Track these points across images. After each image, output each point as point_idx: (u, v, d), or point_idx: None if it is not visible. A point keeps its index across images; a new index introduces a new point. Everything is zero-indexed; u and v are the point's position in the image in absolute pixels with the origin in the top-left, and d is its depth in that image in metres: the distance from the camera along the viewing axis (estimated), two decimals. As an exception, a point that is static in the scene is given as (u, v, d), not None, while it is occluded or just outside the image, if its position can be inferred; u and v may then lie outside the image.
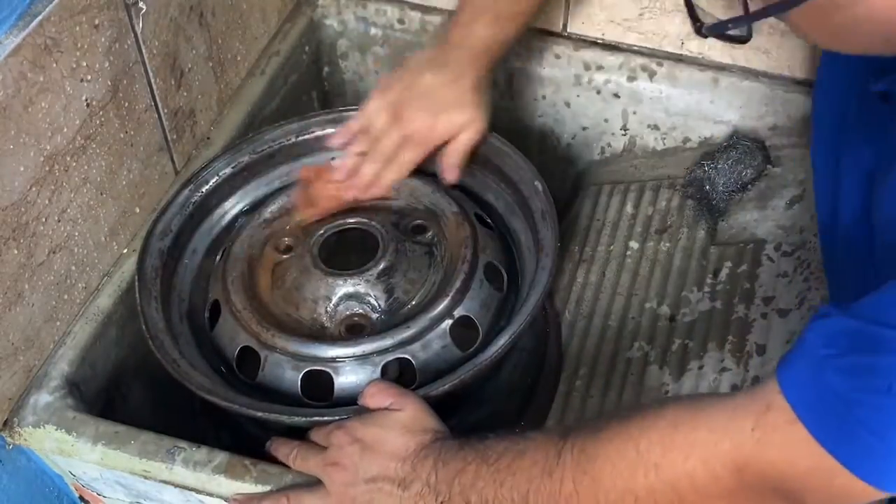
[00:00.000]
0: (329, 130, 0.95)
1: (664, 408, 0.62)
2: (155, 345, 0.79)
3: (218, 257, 0.90)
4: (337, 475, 0.72)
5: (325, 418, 0.75)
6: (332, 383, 0.78)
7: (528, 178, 0.88)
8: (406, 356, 0.78)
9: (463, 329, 0.81)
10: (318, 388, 0.79)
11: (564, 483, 0.63)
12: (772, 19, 0.97)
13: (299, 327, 0.82)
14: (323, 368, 0.78)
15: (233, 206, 0.94)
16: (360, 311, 0.82)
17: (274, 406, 0.76)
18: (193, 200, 0.90)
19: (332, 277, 0.82)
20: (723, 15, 0.66)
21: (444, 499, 0.68)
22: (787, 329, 0.92)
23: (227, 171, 0.92)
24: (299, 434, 0.77)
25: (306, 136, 0.95)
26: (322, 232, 0.87)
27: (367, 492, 0.71)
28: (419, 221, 0.88)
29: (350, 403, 0.77)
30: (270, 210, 0.90)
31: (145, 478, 0.77)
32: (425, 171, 0.93)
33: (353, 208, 0.91)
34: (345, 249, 0.91)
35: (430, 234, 0.87)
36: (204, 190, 0.91)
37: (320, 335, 0.81)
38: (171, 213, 0.88)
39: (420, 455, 0.70)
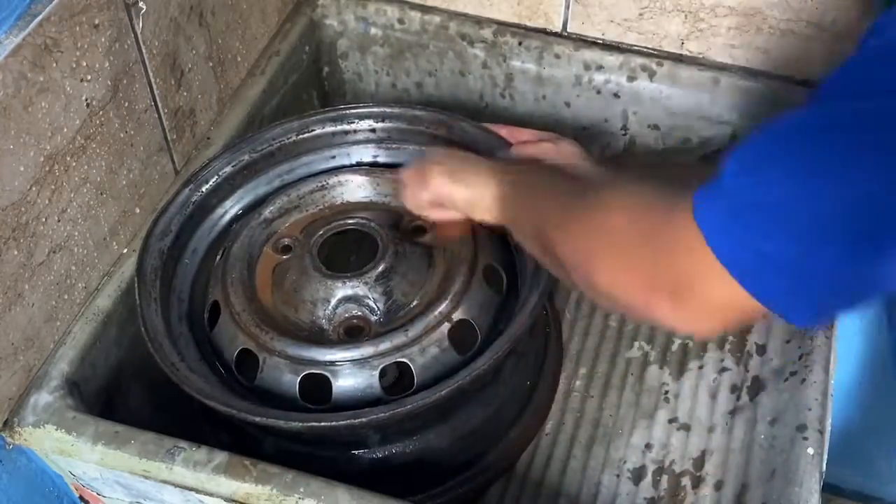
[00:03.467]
0: (329, 128, 0.95)
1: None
2: (154, 348, 0.78)
3: (218, 257, 0.89)
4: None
5: (322, 423, 0.74)
6: (331, 386, 0.78)
7: (527, 179, 0.87)
8: (404, 360, 0.78)
9: (462, 332, 0.80)
10: (317, 390, 0.78)
11: None
12: (772, 20, 0.98)
13: (298, 330, 0.82)
14: (321, 372, 0.78)
15: (233, 206, 0.93)
16: (359, 313, 0.82)
17: (271, 411, 0.75)
18: (193, 200, 0.89)
19: (330, 280, 0.82)
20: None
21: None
22: (788, 329, 0.92)
23: (227, 169, 0.92)
24: (297, 438, 0.77)
25: (306, 135, 0.95)
26: (321, 233, 0.86)
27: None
28: (419, 222, 0.88)
29: (348, 406, 0.77)
30: (270, 210, 0.90)
31: (145, 478, 0.77)
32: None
33: (352, 208, 0.91)
34: (344, 250, 0.91)
35: (429, 235, 0.87)
36: (204, 189, 0.90)
37: (319, 338, 0.81)
38: (171, 213, 0.88)
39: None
